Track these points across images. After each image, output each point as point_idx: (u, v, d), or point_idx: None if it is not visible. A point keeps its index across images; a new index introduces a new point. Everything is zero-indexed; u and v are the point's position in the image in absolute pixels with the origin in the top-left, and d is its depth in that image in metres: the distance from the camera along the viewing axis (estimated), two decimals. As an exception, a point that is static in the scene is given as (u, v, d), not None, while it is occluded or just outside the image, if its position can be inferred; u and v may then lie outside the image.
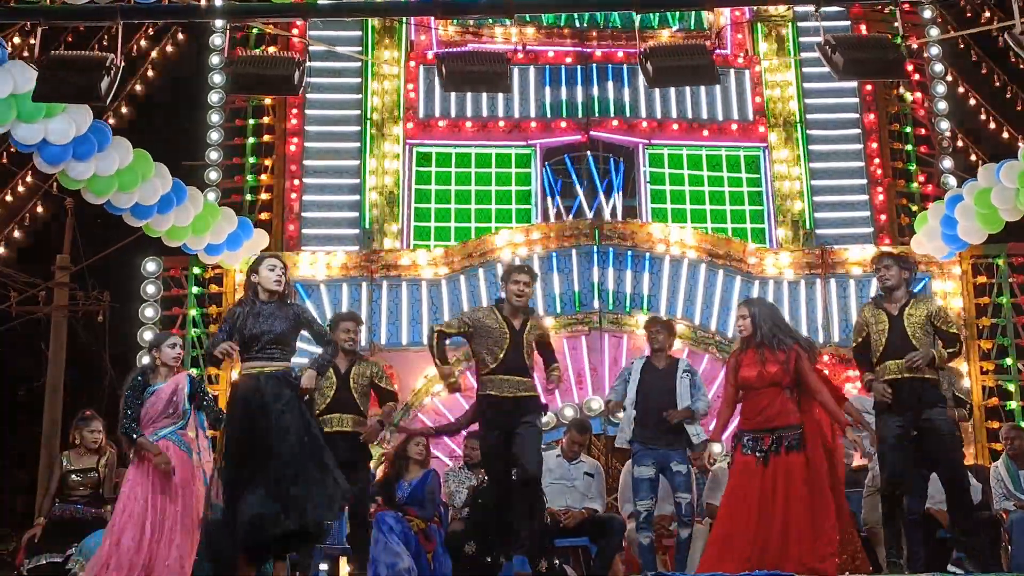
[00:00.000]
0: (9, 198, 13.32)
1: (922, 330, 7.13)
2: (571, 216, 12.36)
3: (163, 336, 7.60)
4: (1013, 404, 11.50)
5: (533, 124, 12.64)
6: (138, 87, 13.57)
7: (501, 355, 7.22)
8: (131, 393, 7.17)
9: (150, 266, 11.52)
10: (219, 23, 11.82)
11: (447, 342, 7.54)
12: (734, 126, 12.79)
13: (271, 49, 12.46)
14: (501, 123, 12.63)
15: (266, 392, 6.36)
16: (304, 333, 6.77)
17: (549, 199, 12.51)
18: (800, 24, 12.93)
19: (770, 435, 6.74)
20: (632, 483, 8.05)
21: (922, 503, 7.43)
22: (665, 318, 9.44)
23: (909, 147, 12.90)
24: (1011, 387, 11.60)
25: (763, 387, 6.81)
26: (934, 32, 12.73)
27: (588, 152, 12.65)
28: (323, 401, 7.74)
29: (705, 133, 12.72)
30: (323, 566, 8.07)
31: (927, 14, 12.82)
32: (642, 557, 7.99)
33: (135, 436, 7.03)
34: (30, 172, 12.90)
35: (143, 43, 13.51)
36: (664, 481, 8.00)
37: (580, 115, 12.66)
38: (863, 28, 12.77)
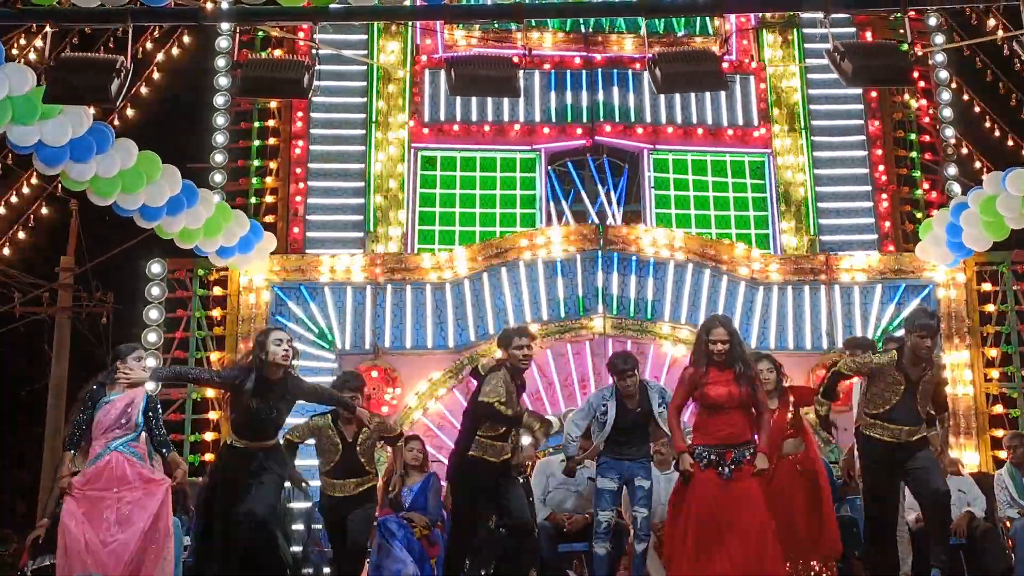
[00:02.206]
0: (14, 199, 13.32)
1: (927, 396, 7.12)
2: (583, 220, 12.36)
3: (128, 348, 7.49)
4: (1017, 412, 11.50)
5: (539, 129, 12.64)
6: (144, 89, 13.57)
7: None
8: (81, 407, 7.20)
9: (155, 268, 11.53)
10: (226, 26, 11.86)
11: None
12: (739, 131, 12.80)
13: (277, 52, 12.48)
14: (506, 127, 12.64)
15: (255, 465, 6.57)
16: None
17: (553, 204, 12.51)
18: (806, 31, 12.94)
19: (732, 451, 6.80)
20: (595, 492, 8.07)
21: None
22: (626, 352, 9.01)
23: (914, 154, 12.90)
24: (1015, 395, 11.60)
25: (732, 408, 6.85)
26: (939, 39, 12.74)
27: (593, 157, 12.66)
28: (328, 463, 7.72)
29: (710, 138, 12.73)
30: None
31: (932, 21, 12.84)
32: (594, 567, 7.97)
33: (64, 447, 7.16)
34: (34, 173, 12.90)
35: (149, 45, 13.51)
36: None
37: (585, 120, 12.68)
38: (868, 35, 12.79)
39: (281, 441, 7.16)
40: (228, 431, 6.89)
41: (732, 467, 6.75)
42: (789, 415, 7.74)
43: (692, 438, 7.08)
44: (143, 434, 7.19)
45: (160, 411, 7.47)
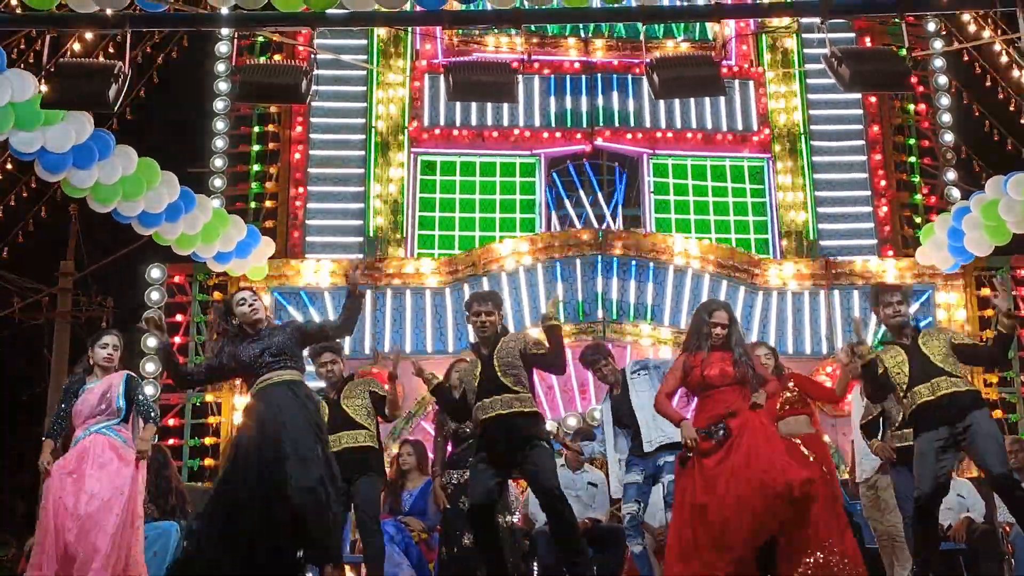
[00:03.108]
0: (13, 204, 13.30)
1: (942, 352, 6.57)
2: (577, 225, 12.35)
3: (96, 336, 7.37)
4: (1016, 417, 11.49)
5: (538, 134, 12.65)
6: (142, 94, 13.57)
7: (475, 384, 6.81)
8: (63, 397, 7.14)
9: (154, 273, 11.53)
10: (225, 31, 11.88)
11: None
12: (738, 137, 12.81)
13: (276, 57, 12.50)
14: (505, 132, 12.65)
15: (286, 402, 6.09)
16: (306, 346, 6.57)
17: (553, 208, 12.52)
18: (804, 36, 12.96)
19: (725, 418, 6.64)
20: (623, 487, 7.98)
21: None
22: (595, 342, 8.83)
23: (913, 159, 12.92)
24: (1014, 400, 11.60)
25: (726, 385, 6.71)
26: (938, 44, 12.75)
27: (592, 162, 12.67)
28: None
29: (709, 144, 12.73)
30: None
31: (931, 27, 12.86)
32: (638, 567, 7.85)
33: (45, 435, 7.09)
34: (34, 178, 12.89)
35: (149, 50, 13.51)
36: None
37: (584, 125, 12.69)
38: (867, 40, 12.81)
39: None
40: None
41: (727, 430, 6.48)
42: (786, 394, 7.48)
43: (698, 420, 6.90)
44: (130, 418, 7.09)
45: (142, 387, 7.29)
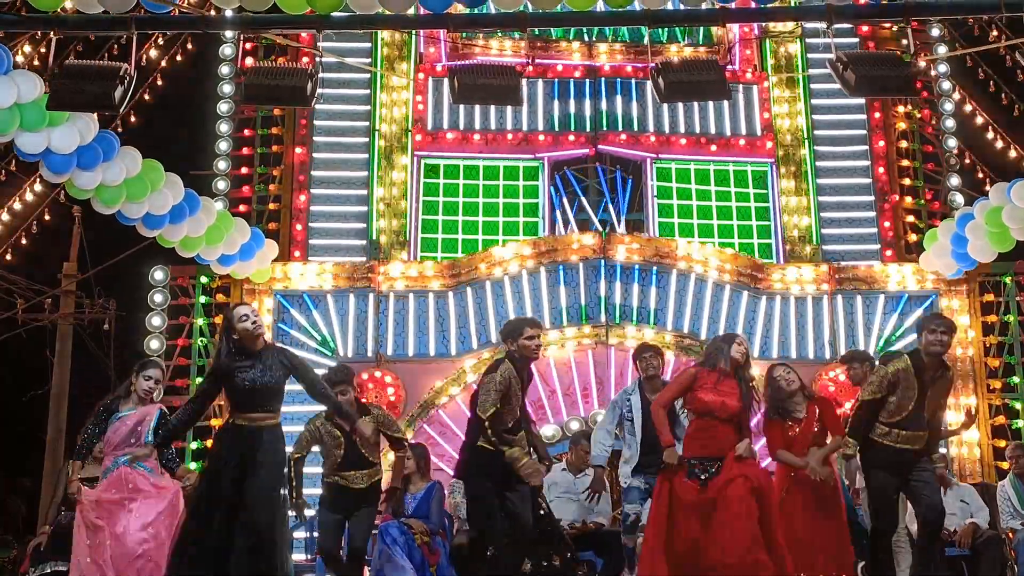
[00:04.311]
0: (17, 206, 13.32)
1: (936, 405, 6.98)
2: (586, 229, 12.36)
3: (143, 365, 7.40)
4: (1020, 423, 11.48)
5: (541, 137, 12.66)
6: (147, 96, 13.59)
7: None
8: (94, 420, 7.15)
9: (157, 275, 11.53)
10: (229, 34, 11.89)
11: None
12: (742, 141, 12.81)
13: (280, 61, 12.50)
14: (509, 136, 12.66)
15: (262, 446, 6.35)
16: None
17: (557, 212, 12.52)
18: (808, 40, 12.96)
19: (717, 463, 6.75)
20: (624, 490, 8.05)
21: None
22: (653, 343, 9.35)
23: (916, 164, 12.91)
24: (1017, 406, 11.58)
25: (722, 420, 6.80)
26: (942, 50, 12.74)
27: (596, 165, 12.67)
28: (333, 461, 7.63)
29: (713, 148, 12.73)
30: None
31: (935, 32, 12.85)
32: (628, 560, 7.97)
33: (74, 458, 7.09)
34: (38, 180, 12.91)
35: (153, 52, 13.53)
36: None
37: (588, 128, 12.69)
38: (871, 46, 12.82)
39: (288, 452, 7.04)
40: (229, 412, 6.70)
41: (712, 476, 6.68)
42: (816, 427, 7.50)
43: (682, 450, 6.98)
44: (154, 452, 7.13)
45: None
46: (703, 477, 6.70)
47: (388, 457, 8.30)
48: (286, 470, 6.76)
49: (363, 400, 8.37)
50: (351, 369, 7.99)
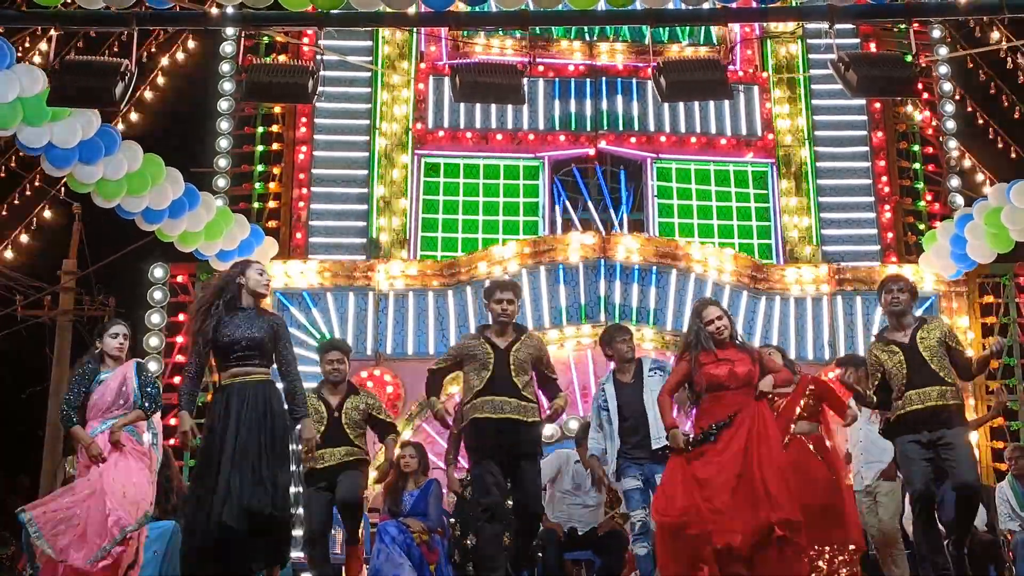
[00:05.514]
0: (17, 202, 13.33)
1: (938, 355, 6.75)
2: (580, 228, 12.35)
3: (105, 326, 7.21)
4: (1018, 424, 11.48)
5: (542, 136, 12.65)
6: (148, 93, 13.59)
7: (487, 376, 6.97)
8: (76, 379, 6.94)
9: (157, 272, 11.53)
10: (230, 31, 11.88)
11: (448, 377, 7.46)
12: (742, 142, 12.81)
13: (281, 57, 12.51)
14: (509, 135, 12.66)
15: (255, 402, 6.06)
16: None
17: (557, 211, 12.52)
18: (809, 41, 12.96)
19: (729, 417, 6.61)
20: (624, 495, 7.99)
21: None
22: (621, 324, 8.99)
23: (917, 165, 12.93)
24: (1016, 407, 11.58)
25: (736, 387, 6.70)
26: (943, 51, 12.76)
27: (596, 165, 12.67)
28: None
29: (713, 148, 12.74)
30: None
31: (936, 33, 12.86)
32: (640, 567, 7.90)
33: (68, 425, 6.87)
34: (38, 176, 12.92)
35: (153, 49, 13.54)
36: None
37: (589, 128, 12.69)
38: (872, 46, 12.82)
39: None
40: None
41: (723, 424, 6.49)
42: (803, 402, 7.42)
43: (694, 428, 6.89)
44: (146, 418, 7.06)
45: (149, 373, 7.12)
46: (713, 437, 6.55)
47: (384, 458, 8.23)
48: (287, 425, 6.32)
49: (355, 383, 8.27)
50: (349, 346, 7.98)
